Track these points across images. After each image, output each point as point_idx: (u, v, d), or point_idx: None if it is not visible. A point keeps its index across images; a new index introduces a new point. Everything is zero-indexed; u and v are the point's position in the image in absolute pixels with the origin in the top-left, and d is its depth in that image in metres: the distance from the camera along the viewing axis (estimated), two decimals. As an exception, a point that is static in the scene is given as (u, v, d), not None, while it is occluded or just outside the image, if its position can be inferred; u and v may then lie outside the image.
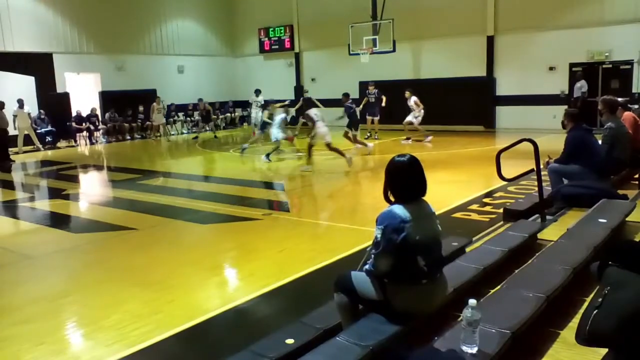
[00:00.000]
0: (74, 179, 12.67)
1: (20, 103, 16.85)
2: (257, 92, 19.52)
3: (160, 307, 4.61)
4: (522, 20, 17.73)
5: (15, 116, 16.82)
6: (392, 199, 3.16)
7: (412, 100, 16.36)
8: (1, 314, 4.63)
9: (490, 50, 18.56)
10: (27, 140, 17.34)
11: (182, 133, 21.90)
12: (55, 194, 10.62)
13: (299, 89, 23.63)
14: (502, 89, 18.62)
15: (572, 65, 17.02)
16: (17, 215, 8.73)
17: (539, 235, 5.24)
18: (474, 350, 2.69)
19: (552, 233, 5.20)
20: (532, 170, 6.00)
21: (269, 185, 10.27)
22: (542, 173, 6.07)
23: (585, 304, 2.56)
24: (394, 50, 18.52)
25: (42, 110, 18.41)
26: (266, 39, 24.32)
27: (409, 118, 16.37)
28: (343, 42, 19.57)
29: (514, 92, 18.23)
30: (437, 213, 3.28)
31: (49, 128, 18.46)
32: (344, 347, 2.85)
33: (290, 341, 3.12)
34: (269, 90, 24.22)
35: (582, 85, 16.30)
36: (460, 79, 18.77)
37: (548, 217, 5.88)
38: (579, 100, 15.94)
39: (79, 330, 4.43)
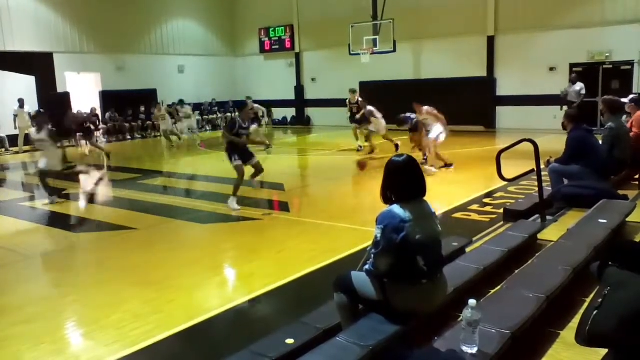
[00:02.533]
0: (74, 179, 12.65)
1: (21, 103, 16.86)
2: (181, 102, 18.98)
3: (161, 307, 4.61)
4: (523, 20, 17.73)
5: (15, 116, 16.84)
6: (392, 198, 3.17)
7: (368, 110, 13.34)
8: (1, 314, 4.63)
9: (491, 50, 18.56)
10: (28, 140, 17.33)
11: (182, 133, 21.86)
12: (55, 193, 10.59)
13: (299, 89, 23.65)
14: (502, 89, 18.62)
15: (572, 65, 17.00)
16: (17, 215, 8.72)
17: (539, 236, 5.24)
18: (474, 350, 2.70)
19: (552, 233, 5.20)
20: (533, 170, 6.00)
21: (269, 186, 10.26)
22: (543, 173, 6.07)
23: (586, 305, 2.55)
24: (394, 51, 18.51)
25: (42, 110, 18.41)
26: (267, 38, 24.32)
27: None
28: (343, 42, 19.56)
29: (514, 92, 18.22)
30: (437, 213, 3.29)
31: (49, 128, 18.42)
32: (344, 347, 2.85)
33: (290, 341, 3.12)
34: (270, 91, 24.29)
35: (581, 88, 15.71)
36: (460, 79, 18.76)
37: (548, 217, 5.88)
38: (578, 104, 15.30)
39: (79, 330, 4.43)
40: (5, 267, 6.03)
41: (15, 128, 16.97)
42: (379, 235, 3.04)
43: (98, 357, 3.80)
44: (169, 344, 3.95)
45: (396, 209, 3.06)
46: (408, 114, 11.71)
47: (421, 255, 3.04)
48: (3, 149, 17.39)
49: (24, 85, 18.23)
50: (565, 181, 6.65)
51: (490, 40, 18.50)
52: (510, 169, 6.18)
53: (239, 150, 8.06)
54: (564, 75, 17.13)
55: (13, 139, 17.30)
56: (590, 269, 2.75)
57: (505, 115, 18.55)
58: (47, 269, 6.01)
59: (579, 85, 15.72)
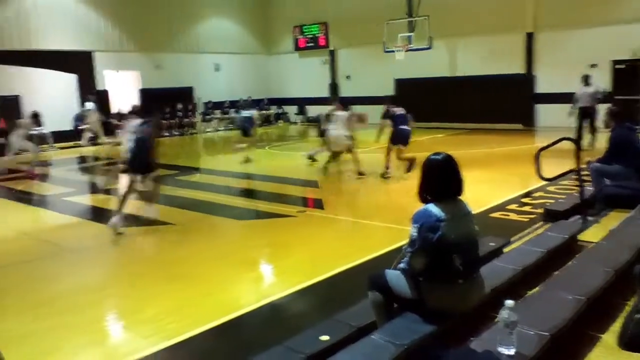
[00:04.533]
0: (114, 174, 12.96)
1: (90, 99, 17.64)
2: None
3: (196, 301, 4.68)
4: (563, 16, 17.29)
5: (88, 111, 17.60)
6: (428, 197, 3.14)
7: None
8: (44, 305, 4.78)
9: (530, 47, 18.18)
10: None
11: (218, 130, 22.22)
12: (96, 188, 10.91)
13: (333, 87, 23.63)
14: (542, 87, 18.22)
15: (614, 62, 16.52)
16: (60, 209, 8.98)
17: (580, 237, 5.13)
18: (511, 352, 2.65)
19: (593, 234, 5.08)
20: (573, 169, 5.86)
21: (303, 183, 10.30)
22: (584, 173, 5.92)
23: (628, 308, 2.49)
24: (429, 47, 18.31)
25: (83, 108, 18.90)
26: (301, 36, 24.38)
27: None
28: (378, 39, 19.44)
29: (554, 90, 17.79)
30: (474, 213, 3.24)
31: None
32: (378, 346, 2.85)
33: (324, 338, 3.13)
34: (304, 88, 24.38)
35: (595, 91, 13.11)
36: (498, 76, 18.45)
37: (589, 218, 5.74)
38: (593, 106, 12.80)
39: (118, 322, 4.54)
40: (48, 259, 6.22)
41: (85, 125, 17.70)
42: (414, 234, 3.03)
43: (136, 349, 3.88)
44: (204, 338, 4.01)
45: (432, 207, 3.03)
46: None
47: (457, 255, 3.01)
48: (47, 145, 17.92)
49: (65, 83, 18.81)
50: (607, 181, 6.47)
51: (529, 37, 18.11)
52: (550, 168, 6.05)
53: None
54: (605, 72, 16.66)
55: (55, 136, 17.90)
56: (634, 270, 2.69)
57: (544, 113, 18.14)
58: (88, 262, 6.17)
59: (593, 88, 13.20)
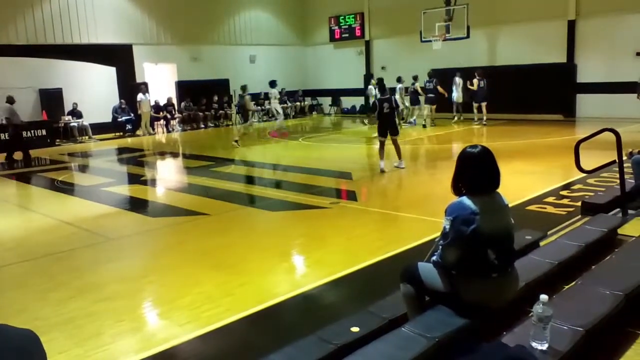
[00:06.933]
0: (152, 166, 13.25)
1: (144, 90, 18.19)
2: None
3: (232, 290, 4.76)
4: (607, 2, 16.74)
5: (140, 102, 18.32)
6: (462, 190, 3.10)
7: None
8: (87, 292, 4.94)
9: (572, 34, 17.68)
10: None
11: (252, 122, 22.37)
12: (133, 179, 11.16)
13: (369, 78, 23.51)
14: (584, 76, 17.71)
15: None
16: (99, 199, 9.22)
17: (620, 231, 5.00)
18: (544, 347, 2.62)
19: (633, 228, 4.94)
20: (614, 161, 5.69)
21: (337, 174, 10.31)
22: (625, 165, 5.75)
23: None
24: (467, 37, 18.01)
25: (122, 100, 19.31)
26: (337, 27, 24.30)
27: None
28: (414, 29, 19.23)
29: (597, 79, 17.29)
30: (510, 205, 3.19)
31: (129, 117, 19.32)
32: (409, 338, 2.85)
33: (355, 329, 3.15)
34: (339, 79, 24.34)
35: None
36: (538, 65, 18.02)
37: (630, 211, 5.57)
38: None
39: (156, 310, 4.66)
40: (89, 248, 6.42)
41: (139, 114, 18.61)
42: (447, 227, 3.00)
43: (173, 335, 3.98)
44: (239, 326, 4.09)
45: (466, 200, 3.00)
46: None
47: (492, 249, 2.97)
48: (86, 137, 18.41)
49: (106, 76, 19.28)
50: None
51: (571, 24, 17.61)
52: (590, 160, 5.90)
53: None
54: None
55: (95, 128, 18.41)
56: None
57: (586, 103, 17.65)
58: (127, 251, 6.34)
59: None
